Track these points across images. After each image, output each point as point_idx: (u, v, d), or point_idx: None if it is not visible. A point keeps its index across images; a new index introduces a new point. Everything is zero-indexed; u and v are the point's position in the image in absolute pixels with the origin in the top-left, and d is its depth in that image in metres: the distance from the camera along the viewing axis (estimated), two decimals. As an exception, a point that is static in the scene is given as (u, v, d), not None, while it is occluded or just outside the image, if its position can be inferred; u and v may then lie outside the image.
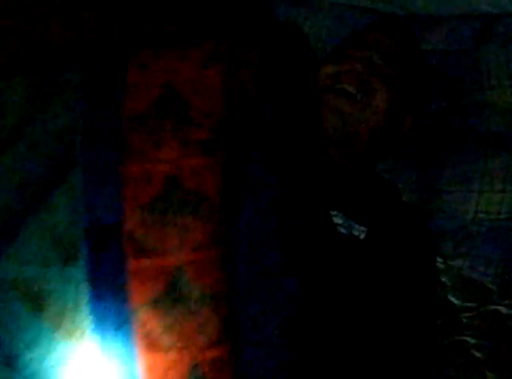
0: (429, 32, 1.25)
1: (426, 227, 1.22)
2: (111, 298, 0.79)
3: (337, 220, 1.08)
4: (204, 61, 0.82)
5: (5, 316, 0.82)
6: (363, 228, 1.08)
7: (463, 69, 1.26)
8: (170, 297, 0.78)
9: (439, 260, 1.24)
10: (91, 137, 0.82)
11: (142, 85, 0.80)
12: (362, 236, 1.08)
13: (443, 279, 1.24)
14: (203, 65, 0.82)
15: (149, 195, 0.78)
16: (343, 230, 1.08)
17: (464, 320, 1.21)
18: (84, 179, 0.80)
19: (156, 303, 0.78)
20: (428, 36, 1.26)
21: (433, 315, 1.20)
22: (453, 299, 1.23)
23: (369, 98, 1.10)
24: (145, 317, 0.77)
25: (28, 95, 0.86)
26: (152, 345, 0.77)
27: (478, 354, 1.17)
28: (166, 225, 0.78)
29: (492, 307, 1.21)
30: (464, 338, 1.19)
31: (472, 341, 1.18)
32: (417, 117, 1.22)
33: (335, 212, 1.08)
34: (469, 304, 1.22)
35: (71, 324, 0.81)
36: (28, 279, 0.81)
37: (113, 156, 0.80)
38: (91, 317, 0.79)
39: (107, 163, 0.80)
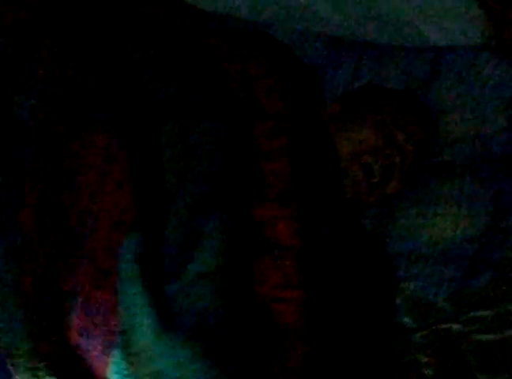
0: (384, 67, 1.33)
1: (386, 258, 1.25)
2: None
3: None
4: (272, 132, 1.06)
5: None
6: None
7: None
8: None
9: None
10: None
11: None
12: None
13: (397, 301, 1.24)
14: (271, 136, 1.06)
15: None
16: None
17: (417, 340, 1.19)
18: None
19: None
20: (383, 70, 1.33)
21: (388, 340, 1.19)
22: (406, 320, 1.22)
23: (384, 183, 1.18)
24: None
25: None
26: None
27: (428, 372, 1.14)
28: None
29: (444, 326, 1.19)
30: (416, 357, 1.17)
31: (424, 359, 1.16)
32: None
33: None
34: (422, 324, 1.21)
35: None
36: None
37: None
38: None
39: None
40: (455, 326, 1.18)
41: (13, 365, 0.91)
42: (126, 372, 0.88)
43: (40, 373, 0.91)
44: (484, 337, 1.16)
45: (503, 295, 1.20)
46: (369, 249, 1.21)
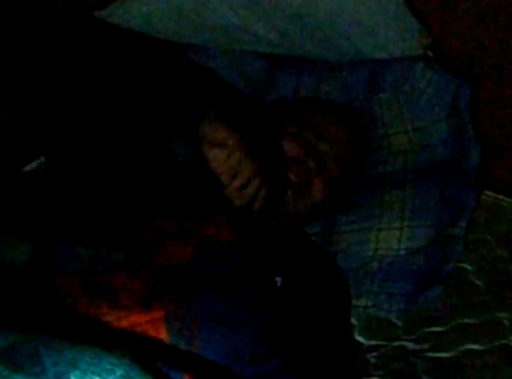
0: (324, 84, 1.29)
1: (338, 270, 1.23)
2: None
3: None
4: None
5: None
6: (277, 278, 1.07)
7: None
8: None
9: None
10: None
11: None
12: (278, 284, 1.07)
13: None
14: None
15: None
16: None
17: (372, 359, 1.18)
18: None
19: None
20: (323, 87, 1.29)
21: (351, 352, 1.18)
22: (360, 339, 1.21)
23: (308, 191, 1.14)
24: None
25: None
26: None
27: (385, 394, 1.15)
28: None
29: (398, 343, 1.19)
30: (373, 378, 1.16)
31: (381, 381, 1.16)
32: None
33: None
34: (376, 342, 1.20)
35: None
36: None
37: None
38: None
39: None
40: (409, 344, 1.19)
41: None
42: None
43: None
44: (439, 355, 1.16)
45: (456, 309, 1.21)
46: (321, 265, 1.19)
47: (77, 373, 0.68)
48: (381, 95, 1.25)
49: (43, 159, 1.34)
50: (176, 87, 1.00)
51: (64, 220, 0.95)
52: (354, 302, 1.23)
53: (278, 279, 1.07)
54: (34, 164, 1.36)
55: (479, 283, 1.25)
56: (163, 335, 0.86)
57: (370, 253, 1.24)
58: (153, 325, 0.86)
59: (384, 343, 1.20)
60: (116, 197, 1.00)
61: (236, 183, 0.98)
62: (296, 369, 0.96)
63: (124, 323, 0.86)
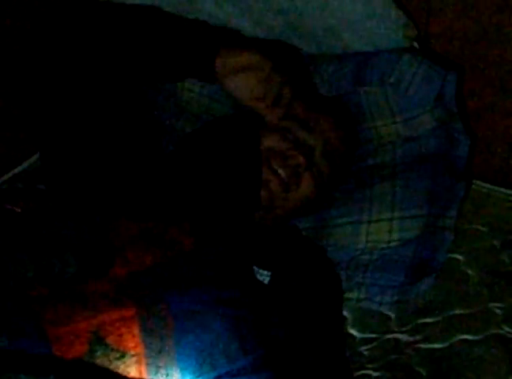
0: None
1: (329, 263, 1.22)
2: None
3: None
4: None
5: None
6: (266, 272, 1.07)
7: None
8: None
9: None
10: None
11: None
12: (266, 280, 1.07)
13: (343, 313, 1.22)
14: None
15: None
16: None
17: (366, 352, 1.18)
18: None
19: None
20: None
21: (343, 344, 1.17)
22: (352, 331, 1.21)
23: (297, 186, 1.13)
24: None
25: None
26: None
27: (379, 387, 1.14)
28: None
29: (391, 336, 1.19)
30: (367, 372, 1.16)
31: (375, 374, 1.15)
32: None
33: None
34: (369, 335, 1.20)
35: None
36: None
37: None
38: None
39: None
40: (402, 336, 1.18)
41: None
42: None
43: None
44: (432, 346, 1.16)
45: (449, 299, 1.20)
46: (312, 259, 1.19)
47: None
48: (368, 88, 1.24)
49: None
50: (186, 29, 1.03)
51: (14, 231, 0.94)
52: (346, 294, 1.23)
53: (267, 274, 1.07)
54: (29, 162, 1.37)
55: (471, 273, 1.25)
56: (136, 332, 0.86)
57: (361, 246, 1.24)
58: (125, 323, 0.86)
59: (377, 335, 1.19)
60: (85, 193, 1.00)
61: (269, 99, 1.04)
62: (272, 367, 0.96)
63: (93, 322, 0.86)
